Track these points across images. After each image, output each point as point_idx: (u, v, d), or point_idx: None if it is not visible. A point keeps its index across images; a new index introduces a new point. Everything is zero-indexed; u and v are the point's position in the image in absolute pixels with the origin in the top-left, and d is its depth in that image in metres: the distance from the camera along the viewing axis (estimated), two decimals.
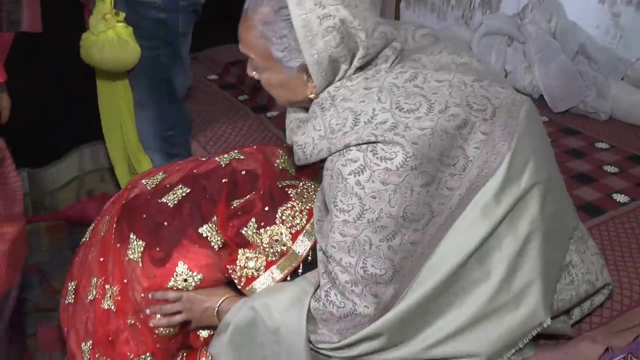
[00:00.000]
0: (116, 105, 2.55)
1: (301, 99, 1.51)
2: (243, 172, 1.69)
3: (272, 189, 1.64)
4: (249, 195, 1.64)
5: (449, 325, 1.46)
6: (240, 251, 1.58)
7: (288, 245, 1.58)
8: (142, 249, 1.61)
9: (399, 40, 1.52)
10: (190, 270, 1.58)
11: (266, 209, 1.60)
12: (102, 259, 1.68)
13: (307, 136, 1.45)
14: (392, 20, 1.92)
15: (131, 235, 1.64)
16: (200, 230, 1.59)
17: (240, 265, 1.58)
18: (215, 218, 1.60)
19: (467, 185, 1.42)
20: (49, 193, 2.97)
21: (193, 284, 1.59)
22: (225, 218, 1.59)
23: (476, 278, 1.44)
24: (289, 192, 1.64)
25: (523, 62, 3.22)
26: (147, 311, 1.60)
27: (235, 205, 1.63)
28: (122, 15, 2.30)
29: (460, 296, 1.45)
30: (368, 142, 1.35)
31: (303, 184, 1.69)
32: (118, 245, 1.65)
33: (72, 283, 1.76)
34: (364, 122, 1.37)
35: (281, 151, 1.80)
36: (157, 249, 1.59)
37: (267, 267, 1.58)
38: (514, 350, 1.51)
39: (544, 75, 3.06)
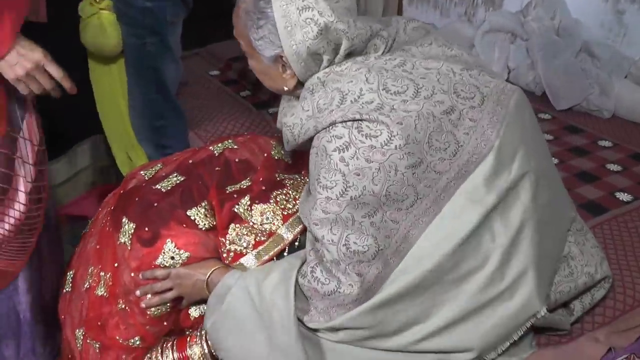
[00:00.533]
0: (113, 93, 2.56)
1: (281, 88, 1.55)
2: (237, 160, 1.73)
3: (269, 178, 1.68)
4: (243, 181, 1.68)
5: (440, 318, 1.46)
6: (232, 225, 1.61)
7: (277, 225, 1.61)
8: (132, 231, 1.62)
9: (388, 31, 1.54)
10: (177, 248, 1.59)
11: (262, 188, 1.64)
12: (98, 247, 1.70)
13: (295, 117, 1.48)
14: (383, 17, 1.94)
15: (123, 219, 1.65)
16: (188, 213, 1.61)
17: (229, 240, 1.61)
18: (205, 203, 1.62)
19: (456, 169, 1.43)
20: (50, 188, 2.97)
21: (180, 261, 1.59)
22: (219, 201, 1.62)
23: (471, 268, 1.45)
24: (285, 181, 1.68)
25: (526, 59, 3.21)
26: (138, 292, 1.59)
27: (229, 190, 1.65)
28: (105, 2, 2.33)
29: (454, 287, 1.45)
30: (353, 120, 1.37)
31: (301, 178, 1.72)
32: (111, 229, 1.67)
33: (70, 272, 1.79)
34: (351, 100, 1.40)
35: (273, 142, 1.83)
36: (146, 229, 1.60)
37: (254, 247, 1.60)
38: (508, 343, 1.52)
39: (547, 73, 3.05)
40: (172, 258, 1.58)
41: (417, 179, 1.40)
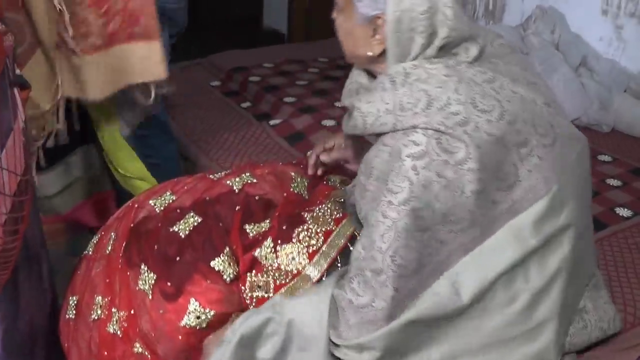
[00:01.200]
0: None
1: (361, 54, 1.49)
2: (257, 198, 1.67)
3: (289, 214, 1.63)
4: (263, 223, 1.62)
5: (460, 345, 1.45)
6: (251, 273, 1.57)
7: (304, 264, 1.56)
8: (153, 281, 1.58)
9: (482, 39, 1.51)
10: (202, 307, 1.54)
11: (283, 227, 1.59)
12: (108, 280, 1.66)
13: (371, 105, 1.41)
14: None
15: (142, 266, 1.61)
16: (212, 264, 1.56)
17: (250, 286, 1.58)
18: (228, 249, 1.58)
19: (509, 204, 1.41)
20: (46, 197, 2.95)
21: (206, 320, 1.55)
22: (242, 246, 1.58)
23: (499, 302, 1.43)
24: (305, 215, 1.62)
25: None
26: None
27: (248, 231, 1.61)
28: None
29: (478, 317, 1.44)
30: (436, 130, 1.33)
31: (319, 209, 1.66)
32: (128, 273, 1.63)
33: (74, 297, 1.73)
34: (437, 107, 1.35)
35: (293, 173, 1.78)
36: (169, 283, 1.56)
37: (276, 289, 1.56)
38: None
39: None
40: (198, 317, 1.55)
41: (477, 206, 1.37)
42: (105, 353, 1.63)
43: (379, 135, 1.43)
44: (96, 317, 1.66)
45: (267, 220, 1.64)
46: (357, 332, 1.43)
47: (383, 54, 1.44)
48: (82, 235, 2.34)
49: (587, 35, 3.37)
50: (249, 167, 1.79)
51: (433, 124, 1.33)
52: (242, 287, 1.58)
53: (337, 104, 2.99)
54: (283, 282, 1.56)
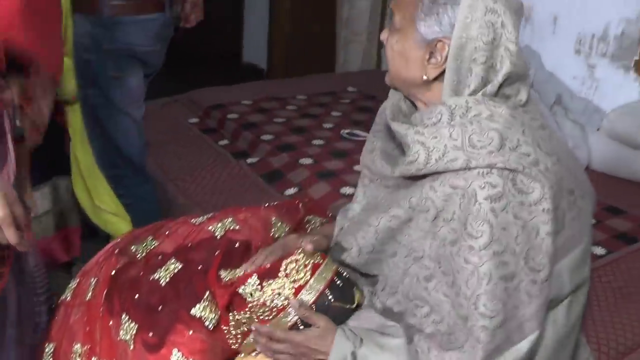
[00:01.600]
0: (79, 135, 2.55)
1: (410, 77, 1.44)
2: (237, 245, 1.65)
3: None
4: (238, 270, 1.60)
5: None
6: (231, 314, 1.55)
7: (290, 299, 1.53)
8: (134, 331, 1.56)
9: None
10: (185, 358, 1.53)
11: (267, 265, 1.56)
12: (88, 328, 1.64)
13: (438, 141, 1.36)
14: None
15: (123, 316, 1.59)
16: (193, 312, 1.54)
17: (233, 324, 1.56)
18: (208, 294, 1.56)
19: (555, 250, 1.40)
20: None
21: None
22: (220, 288, 1.56)
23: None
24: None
25: None
26: None
27: (223, 276, 1.58)
28: (67, 46, 2.31)
29: None
30: (513, 170, 1.30)
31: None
32: (110, 323, 1.60)
33: (50, 345, 1.70)
34: (510, 148, 1.32)
35: (274, 218, 1.76)
36: (150, 333, 1.54)
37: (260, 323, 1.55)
38: None
39: None
40: None
41: (554, 250, 1.34)
42: None
43: (431, 174, 1.38)
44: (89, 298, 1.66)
45: (243, 267, 1.61)
46: None
47: (435, 80, 1.42)
48: (56, 275, 2.31)
49: (561, 74, 3.42)
50: (232, 211, 1.77)
51: (511, 163, 1.30)
52: (224, 328, 1.56)
53: (314, 141, 3.02)
54: (267, 317, 1.54)
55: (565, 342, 1.49)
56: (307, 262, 1.57)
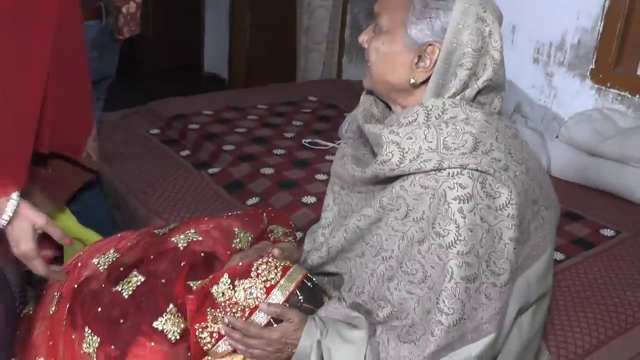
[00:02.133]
0: None
1: (396, 80, 1.45)
2: (202, 255, 1.66)
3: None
4: (207, 280, 1.60)
5: None
6: (208, 311, 1.54)
7: (262, 298, 1.54)
8: (97, 344, 1.56)
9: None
10: None
11: (240, 264, 1.57)
12: (51, 342, 1.63)
13: (413, 142, 1.38)
14: None
15: (86, 329, 1.59)
16: (155, 325, 1.54)
17: (204, 325, 1.56)
18: (172, 306, 1.56)
19: (521, 260, 1.41)
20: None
21: None
22: (189, 294, 1.56)
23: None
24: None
25: None
26: None
27: (192, 285, 1.59)
28: None
29: None
30: (483, 172, 1.32)
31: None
32: (73, 336, 1.60)
33: None
34: (482, 151, 1.35)
35: (236, 229, 1.76)
36: (113, 347, 1.54)
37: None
38: None
39: None
40: None
41: (515, 256, 1.36)
42: None
43: (403, 175, 1.40)
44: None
45: (210, 277, 1.61)
46: None
47: (420, 84, 1.44)
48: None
49: (520, 83, 3.47)
50: (194, 223, 1.77)
51: (483, 165, 1.32)
52: (198, 327, 1.55)
53: (275, 151, 3.03)
54: (238, 316, 1.54)
55: (529, 347, 1.53)
56: (277, 264, 1.59)
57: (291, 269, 1.60)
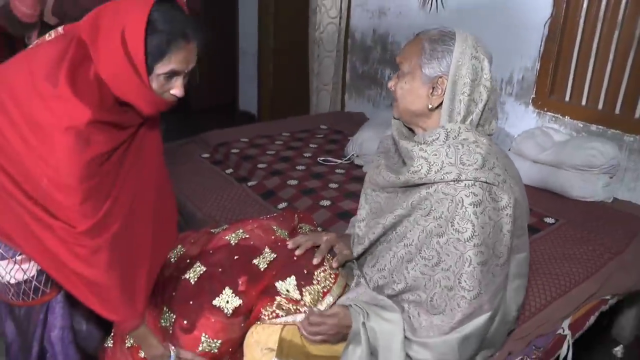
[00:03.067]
0: None
1: (417, 107, 1.50)
2: (252, 244, 1.68)
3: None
4: (265, 253, 1.63)
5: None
6: (277, 298, 1.58)
7: (320, 301, 1.57)
8: (173, 320, 1.60)
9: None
10: (210, 339, 1.57)
11: (305, 271, 1.59)
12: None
13: (437, 158, 1.44)
14: None
15: (164, 308, 1.63)
16: (214, 302, 1.57)
17: (276, 305, 1.59)
18: (227, 289, 1.58)
19: (512, 249, 1.49)
20: None
21: (215, 348, 1.58)
22: (251, 283, 1.59)
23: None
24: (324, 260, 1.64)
25: None
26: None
27: (257, 263, 1.61)
28: None
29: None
30: (490, 184, 1.39)
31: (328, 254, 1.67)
32: (153, 314, 1.65)
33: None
34: (488, 168, 1.41)
35: (274, 226, 1.76)
36: (185, 321, 1.58)
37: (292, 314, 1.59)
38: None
39: None
40: (209, 345, 1.57)
41: (510, 243, 1.44)
42: None
43: (429, 183, 1.46)
44: (129, 345, 1.66)
45: (268, 250, 1.64)
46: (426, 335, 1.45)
47: (435, 109, 1.49)
48: None
49: None
50: (241, 224, 1.78)
51: (490, 179, 1.40)
52: (263, 309, 1.58)
53: (297, 167, 3.05)
54: (299, 312, 1.57)
55: (506, 318, 1.58)
56: (331, 272, 1.61)
57: (339, 277, 1.62)
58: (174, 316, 1.60)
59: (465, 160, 1.42)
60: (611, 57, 2.86)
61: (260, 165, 3.07)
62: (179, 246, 1.77)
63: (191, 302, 1.59)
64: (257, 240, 1.70)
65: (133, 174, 1.56)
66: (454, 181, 1.41)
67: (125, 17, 1.37)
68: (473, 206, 1.38)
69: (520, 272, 1.57)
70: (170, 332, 1.60)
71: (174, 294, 1.63)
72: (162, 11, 1.39)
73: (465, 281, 1.40)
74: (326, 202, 2.62)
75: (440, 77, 1.46)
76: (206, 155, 3.35)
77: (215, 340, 1.57)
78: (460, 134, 1.46)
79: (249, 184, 2.88)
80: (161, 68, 1.42)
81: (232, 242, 1.70)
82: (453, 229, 1.40)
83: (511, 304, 1.60)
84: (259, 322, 1.62)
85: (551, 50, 3.07)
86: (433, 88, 1.47)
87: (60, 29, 1.56)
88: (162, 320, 1.63)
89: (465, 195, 1.39)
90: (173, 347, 1.58)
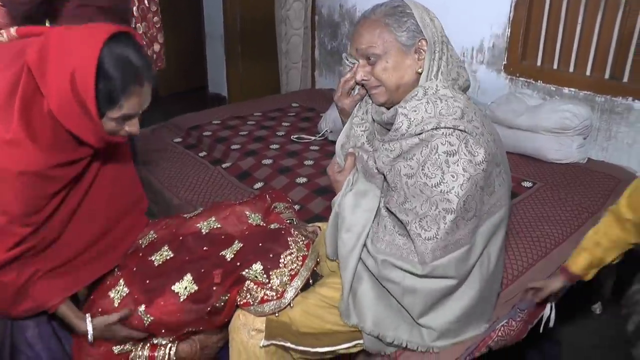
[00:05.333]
0: None
1: (408, 79, 1.49)
2: (223, 237, 1.66)
3: (260, 239, 1.64)
4: (234, 245, 1.61)
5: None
6: (247, 283, 1.57)
7: (286, 285, 1.58)
8: (124, 294, 1.58)
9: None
10: (151, 316, 1.54)
11: (271, 255, 1.58)
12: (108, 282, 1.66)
13: (417, 113, 1.44)
14: None
15: (120, 281, 1.61)
16: (173, 287, 1.55)
17: (244, 291, 1.58)
18: (189, 275, 1.56)
19: (488, 207, 1.47)
20: None
21: (147, 322, 1.55)
22: (224, 272, 1.57)
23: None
24: (289, 240, 1.64)
25: None
26: None
27: (224, 254, 1.59)
28: None
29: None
30: (469, 133, 1.38)
31: (296, 234, 1.68)
32: (108, 282, 1.63)
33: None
34: (467, 120, 1.41)
35: (247, 212, 1.75)
36: (136, 296, 1.56)
37: (261, 302, 1.58)
38: None
39: None
40: (143, 318, 1.55)
41: (480, 201, 1.42)
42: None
43: (408, 136, 1.45)
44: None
45: (237, 242, 1.63)
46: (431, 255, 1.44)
47: (420, 74, 1.49)
48: None
49: None
50: (214, 210, 1.76)
51: (469, 128, 1.38)
52: (238, 296, 1.58)
53: (271, 146, 3.03)
54: (268, 298, 1.57)
55: (496, 272, 1.59)
56: (299, 255, 1.61)
57: (307, 259, 1.62)
58: (127, 291, 1.58)
59: (445, 112, 1.42)
60: (580, 19, 2.87)
61: (234, 147, 3.05)
62: (151, 232, 1.74)
63: (147, 282, 1.58)
64: (229, 230, 1.69)
65: (84, 184, 1.56)
66: (433, 129, 1.41)
67: (75, 56, 1.31)
68: (446, 155, 1.38)
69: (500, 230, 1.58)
70: (116, 305, 1.57)
71: (134, 269, 1.62)
72: (114, 53, 1.33)
73: (427, 223, 1.40)
74: (302, 180, 2.61)
75: (420, 40, 1.46)
76: (178, 139, 3.32)
77: (148, 316, 1.55)
78: (438, 90, 1.46)
79: (224, 165, 2.86)
80: (113, 114, 1.38)
81: (203, 230, 1.68)
82: (422, 173, 1.40)
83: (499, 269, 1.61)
84: (243, 309, 1.62)
85: (521, 15, 3.08)
86: (417, 53, 1.47)
87: (13, 30, 1.50)
88: (113, 292, 1.60)
89: (441, 143, 1.39)
90: (88, 315, 1.55)
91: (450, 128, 1.39)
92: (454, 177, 1.37)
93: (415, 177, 1.41)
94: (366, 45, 1.48)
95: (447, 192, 1.38)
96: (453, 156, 1.37)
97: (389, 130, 1.53)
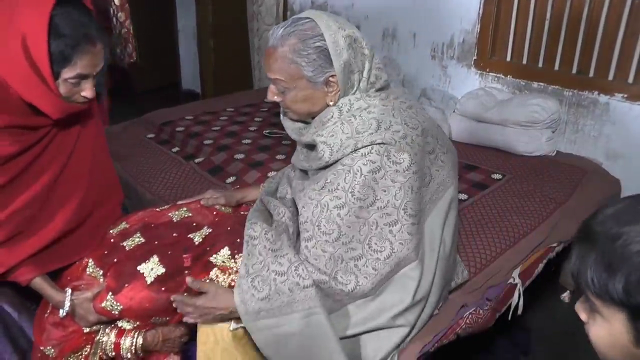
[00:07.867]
0: None
1: (318, 109, 1.48)
2: (194, 224, 1.68)
3: (231, 227, 1.65)
4: (203, 230, 1.63)
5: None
6: (214, 270, 1.57)
7: None
8: (100, 274, 1.60)
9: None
10: (115, 301, 1.56)
11: (238, 240, 1.59)
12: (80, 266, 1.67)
13: (335, 137, 1.42)
14: None
15: (90, 261, 1.63)
16: (138, 267, 1.56)
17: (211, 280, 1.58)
18: (155, 257, 1.57)
19: (429, 196, 1.49)
20: None
21: (116, 310, 1.57)
22: (194, 256, 1.58)
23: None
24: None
25: None
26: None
27: (192, 237, 1.61)
28: None
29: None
30: (387, 144, 1.37)
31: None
32: (85, 260, 1.65)
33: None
34: (384, 128, 1.39)
35: (218, 206, 1.79)
36: (108, 274, 1.58)
37: (230, 287, 1.58)
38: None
39: None
40: (112, 306, 1.56)
41: (422, 197, 1.44)
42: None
43: (334, 164, 1.44)
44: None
45: (206, 227, 1.64)
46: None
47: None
48: None
49: (423, 74, 3.55)
50: (186, 204, 1.81)
51: (387, 139, 1.37)
52: (205, 278, 1.58)
53: (244, 141, 3.03)
54: (235, 284, 1.56)
55: (449, 257, 1.59)
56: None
57: None
58: (101, 272, 1.60)
59: (361, 129, 1.41)
60: (548, 15, 2.93)
61: (206, 142, 3.04)
62: (123, 222, 1.75)
63: (115, 260, 1.60)
64: (199, 218, 1.71)
65: (55, 166, 1.55)
66: (353, 152, 1.41)
67: (25, 20, 1.30)
68: (372, 173, 1.38)
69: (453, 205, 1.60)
70: (102, 280, 1.60)
71: (105, 252, 1.64)
72: (64, 13, 1.34)
73: (375, 244, 1.41)
74: (274, 173, 2.59)
75: (331, 75, 1.43)
76: (151, 135, 3.30)
77: (117, 303, 1.56)
78: (352, 105, 1.45)
79: (196, 160, 2.86)
80: (68, 73, 1.38)
81: (174, 219, 1.71)
82: (354, 198, 1.39)
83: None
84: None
85: (490, 11, 3.13)
86: (327, 86, 1.45)
87: None
88: (88, 269, 1.63)
89: (363, 164, 1.38)
90: (69, 289, 1.58)
91: (367, 146, 1.39)
92: (385, 190, 1.39)
93: (347, 205, 1.40)
94: (274, 76, 1.46)
95: (383, 207, 1.39)
96: (378, 172, 1.38)
97: (310, 150, 1.54)
